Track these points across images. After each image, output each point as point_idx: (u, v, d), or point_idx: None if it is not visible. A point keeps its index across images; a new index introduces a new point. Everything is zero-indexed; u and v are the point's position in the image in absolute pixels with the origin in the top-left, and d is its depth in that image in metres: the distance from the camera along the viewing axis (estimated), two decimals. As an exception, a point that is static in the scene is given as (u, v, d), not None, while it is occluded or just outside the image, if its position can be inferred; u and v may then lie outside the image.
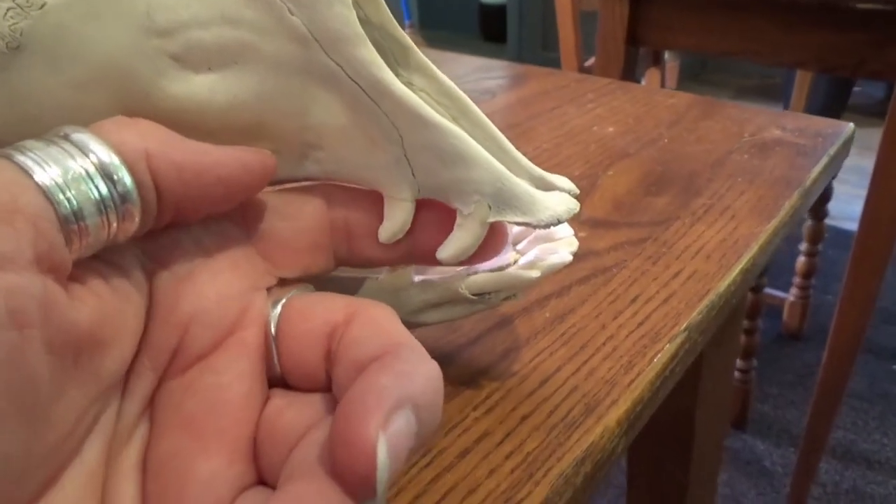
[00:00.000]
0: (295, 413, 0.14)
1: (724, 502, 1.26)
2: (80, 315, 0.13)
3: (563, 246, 0.20)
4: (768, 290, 1.55)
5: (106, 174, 0.13)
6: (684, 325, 0.24)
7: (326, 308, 0.15)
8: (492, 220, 0.18)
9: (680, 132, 0.40)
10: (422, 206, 0.18)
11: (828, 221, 1.42)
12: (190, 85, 0.15)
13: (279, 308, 0.15)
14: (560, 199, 0.18)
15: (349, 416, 0.12)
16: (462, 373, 0.23)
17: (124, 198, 0.13)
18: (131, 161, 0.14)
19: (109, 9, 0.14)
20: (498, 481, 0.19)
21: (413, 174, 0.17)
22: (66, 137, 0.13)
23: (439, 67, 0.18)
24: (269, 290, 0.16)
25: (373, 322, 0.14)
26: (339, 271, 0.19)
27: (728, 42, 0.96)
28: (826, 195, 1.37)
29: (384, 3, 0.18)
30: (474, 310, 0.21)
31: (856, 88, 2.70)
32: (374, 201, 0.18)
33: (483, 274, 0.20)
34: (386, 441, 0.11)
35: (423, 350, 0.14)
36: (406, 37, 0.18)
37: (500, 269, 0.20)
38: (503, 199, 0.17)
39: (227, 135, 0.16)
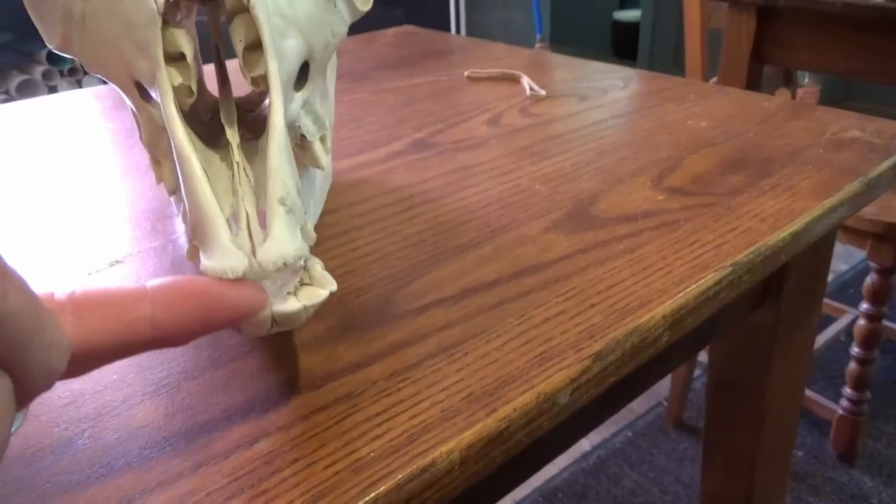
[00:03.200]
0: None
1: (822, 532, 1.23)
2: None
3: None
4: (893, 325, 1.48)
5: None
6: (730, 262, 0.31)
7: None
8: None
9: (766, 129, 0.46)
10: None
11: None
12: None
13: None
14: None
15: None
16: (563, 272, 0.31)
17: None
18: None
19: None
20: (569, 335, 0.27)
21: None
22: None
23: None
24: None
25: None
26: None
27: (852, 62, 0.97)
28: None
29: None
30: None
31: None
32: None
33: None
34: None
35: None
36: None
37: None
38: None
39: None
